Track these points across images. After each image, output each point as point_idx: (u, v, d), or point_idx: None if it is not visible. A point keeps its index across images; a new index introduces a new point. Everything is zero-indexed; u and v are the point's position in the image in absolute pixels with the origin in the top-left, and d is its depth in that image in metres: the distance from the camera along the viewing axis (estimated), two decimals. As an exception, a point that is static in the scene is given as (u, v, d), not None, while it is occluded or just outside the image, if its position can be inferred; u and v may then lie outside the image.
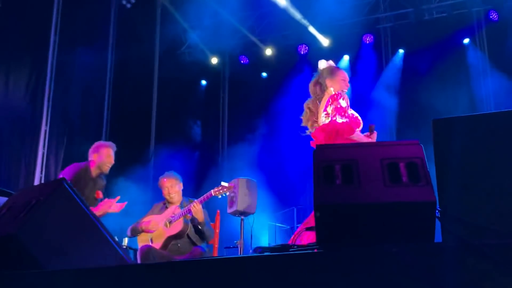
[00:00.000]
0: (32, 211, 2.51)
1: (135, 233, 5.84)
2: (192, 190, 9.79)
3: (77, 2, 9.65)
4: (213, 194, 5.67)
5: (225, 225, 7.21)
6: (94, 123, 10.12)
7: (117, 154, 10.14)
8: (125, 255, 2.67)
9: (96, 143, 6.11)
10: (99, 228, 2.65)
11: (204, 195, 5.70)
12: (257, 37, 11.62)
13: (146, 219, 5.89)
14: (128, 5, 11.02)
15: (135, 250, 6.88)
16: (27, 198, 2.64)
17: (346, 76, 4.86)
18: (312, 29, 10.89)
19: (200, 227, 5.64)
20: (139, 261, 5.50)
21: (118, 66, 10.73)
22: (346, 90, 4.74)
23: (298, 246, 2.26)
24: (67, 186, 2.65)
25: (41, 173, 8.88)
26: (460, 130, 2.21)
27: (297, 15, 10.75)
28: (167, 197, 5.95)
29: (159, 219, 5.78)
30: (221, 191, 5.67)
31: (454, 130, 2.22)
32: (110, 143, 6.13)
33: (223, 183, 5.72)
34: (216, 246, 5.80)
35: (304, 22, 10.81)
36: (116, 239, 7.87)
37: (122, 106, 10.57)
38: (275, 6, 10.97)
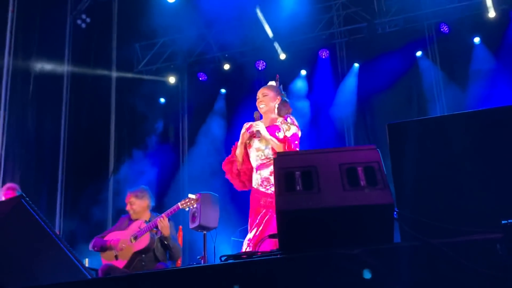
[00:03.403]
0: (-10, 229, 2.46)
1: (102, 249, 5.67)
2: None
3: (32, 19, 9.53)
4: (180, 207, 5.55)
5: (187, 241, 7.15)
6: (50, 142, 9.92)
7: (75, 171, 9.97)
8: (86, 270, 2.64)
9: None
10: (59, 244, 2.61)
11: (171, 208, 5.57)
12: (215, 54, 11.67)
13: (111, 235, 5.73)
14: (83, 25, 10.93)
15: (96, 271, 6.71)
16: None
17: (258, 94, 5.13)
18: (269, 45, 10.99)
19: (166, 242, 5.54)
20: (100, 280, 5.38)
21: (74, 86, 10.61)
22: (259, 108, 5.17)
23: (262, 252, 2.28)
24: (25, 204, 2.61)
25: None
26: (414, 133, 2.28)
27: (254, 31, 10.85)
28: (130, 212, 5.87)
29: (124, 236, 5.63)
30: (188, 203, 5.56)
31: (408, 133, 2.29)
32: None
33: (190, 195, 5.59)
34: (179, 262, 5.73)
35: (261, 37, 10.92)
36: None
37: (79, 124, 10.45)
38: (231, 23, 11.05)
